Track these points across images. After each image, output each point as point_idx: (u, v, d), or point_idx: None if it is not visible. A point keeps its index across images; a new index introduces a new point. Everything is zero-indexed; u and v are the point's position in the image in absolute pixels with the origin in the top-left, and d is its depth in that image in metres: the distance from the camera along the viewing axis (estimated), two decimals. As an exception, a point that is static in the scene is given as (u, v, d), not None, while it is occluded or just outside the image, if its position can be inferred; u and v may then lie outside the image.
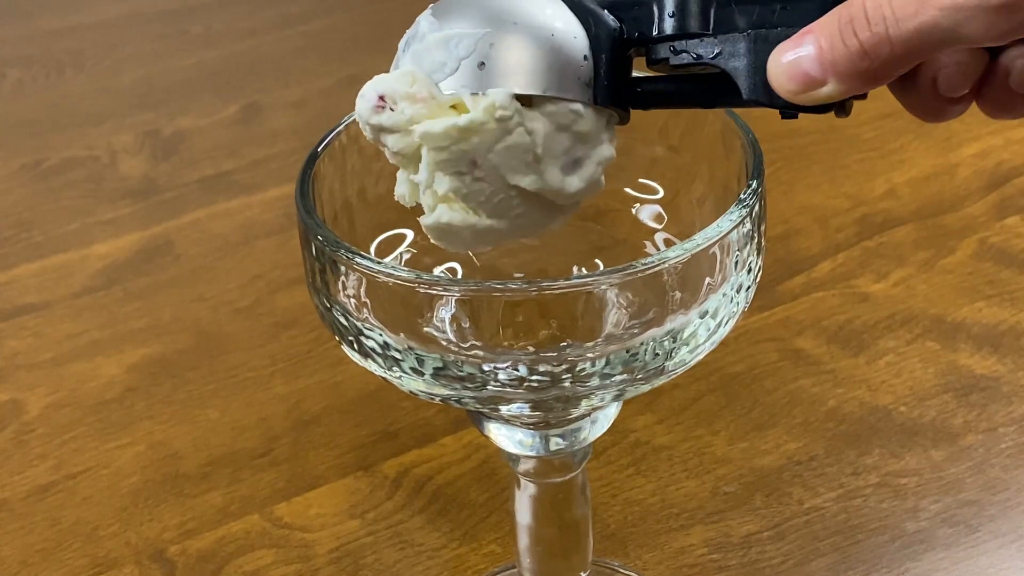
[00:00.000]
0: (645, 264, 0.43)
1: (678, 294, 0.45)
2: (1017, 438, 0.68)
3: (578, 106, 0.43)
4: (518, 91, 0.42)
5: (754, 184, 0.46)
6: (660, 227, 0.52)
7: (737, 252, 0.45)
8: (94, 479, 0.70)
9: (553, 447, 0.51)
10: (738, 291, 0.47)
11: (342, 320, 0.47)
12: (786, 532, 0.64)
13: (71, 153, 1.00)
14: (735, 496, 0.66)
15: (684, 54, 0.43)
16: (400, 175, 0.45)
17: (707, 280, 0.45)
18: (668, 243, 0.51)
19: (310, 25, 1.18)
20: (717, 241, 0.44)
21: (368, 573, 0.64)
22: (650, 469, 0.68)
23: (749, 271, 0.47)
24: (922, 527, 0.64)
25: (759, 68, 0.41)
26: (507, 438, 0.51)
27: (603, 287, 0.45)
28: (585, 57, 0.43)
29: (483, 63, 0.42)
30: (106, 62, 1.15)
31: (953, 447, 0.68)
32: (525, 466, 0.53)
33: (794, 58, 0.40)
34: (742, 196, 0.45)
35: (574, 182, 0.44)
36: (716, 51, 0.42)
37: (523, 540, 0.56)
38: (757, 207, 0.46)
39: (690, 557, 0.63)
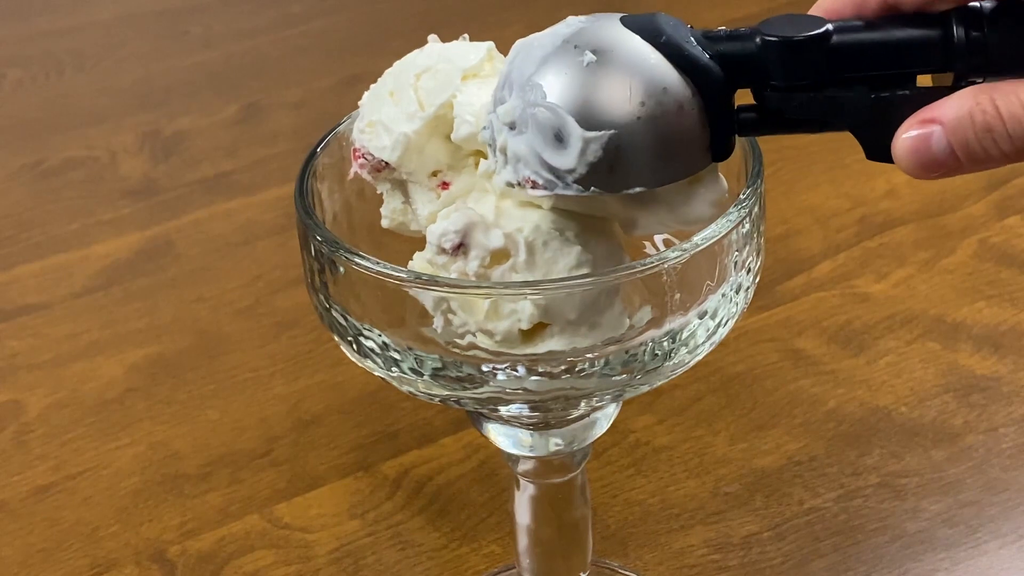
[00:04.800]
0: (644, 264, 0.43)
1: (677, 295, 0.45)
2: (1017, 438, 0.68)
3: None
4: (645, 189, 0.42)
5: (754, 185, 0.46)
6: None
7: (736, 253, 0.45)
8: (94, 479, 0.70)
9: (552, 448, 0.51)
10: (737, 292, 0.47)
11: (341, 320, 0.47)
12: (786, 532, 0.64)
13: (71, 153, 1.00)
14: (735, 496, 0.66)
15: (801, 107, 0.42)
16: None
17: (706, 281, 0.45)
18: (667, 243, 0.51)
19: (310, 25, 1.18)
20: (716, 242, 0.44)
21: (368, 573, 0.64)
22: (650, 469, 0.68)
23: (748, 271, 0.47)
24: (922, 527, 0.64)
25: (883, 132, 0.42)
26: (507, 438, 0.51)
27: (601, 288, 0.45)
28: (704, 125, 0.43)
29: (612, 166, 0.42)
30: (106, 62, 1.15)
31: (953, 447, 0.68)
32: (524, 467, 0.53)
33: (923, 146, 0.41)
34: (741, 197, 0.45)
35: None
36: (835, 108, 0.42)
37: (523, 541, 0.56)
38: (756, 208, 0.46)
39: (690, 557, 0.63)
